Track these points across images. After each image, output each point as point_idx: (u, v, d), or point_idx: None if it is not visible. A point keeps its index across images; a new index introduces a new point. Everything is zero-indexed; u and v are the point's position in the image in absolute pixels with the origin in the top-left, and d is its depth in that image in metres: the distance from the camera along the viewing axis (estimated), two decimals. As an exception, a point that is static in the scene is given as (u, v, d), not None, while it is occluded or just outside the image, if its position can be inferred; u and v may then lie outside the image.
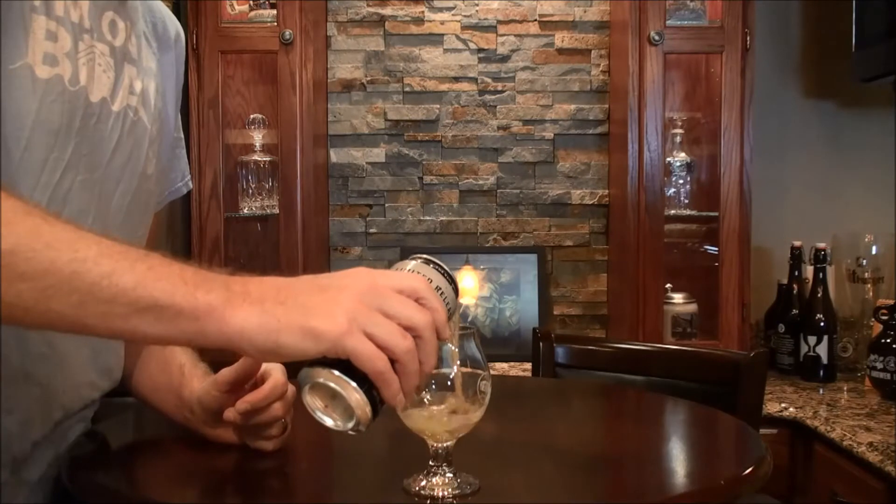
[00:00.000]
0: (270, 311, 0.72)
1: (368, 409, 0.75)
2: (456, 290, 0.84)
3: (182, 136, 1.23)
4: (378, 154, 2.71)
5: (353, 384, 0.74)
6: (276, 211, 2.43)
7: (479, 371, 0.87)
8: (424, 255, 0.84)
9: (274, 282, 0.75)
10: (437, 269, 0.83)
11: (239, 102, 2.58)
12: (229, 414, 0.97)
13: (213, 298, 0.72)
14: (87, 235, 0.73)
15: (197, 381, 1.04)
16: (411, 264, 0.83)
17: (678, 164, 2.49)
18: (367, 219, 2.72)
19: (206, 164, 2.40)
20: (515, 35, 2.70)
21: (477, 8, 2.69)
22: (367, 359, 0.72)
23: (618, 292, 2.59)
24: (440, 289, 0.81)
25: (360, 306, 0.73)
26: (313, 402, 0.77)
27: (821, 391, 2.25)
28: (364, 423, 0.76)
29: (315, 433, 1.19)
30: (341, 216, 2.72)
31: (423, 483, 0.87)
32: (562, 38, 2.69)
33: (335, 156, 2.71)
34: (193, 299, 0.72)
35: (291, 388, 0.99)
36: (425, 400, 0.85)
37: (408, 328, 0.74)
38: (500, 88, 2.70)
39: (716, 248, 2.45)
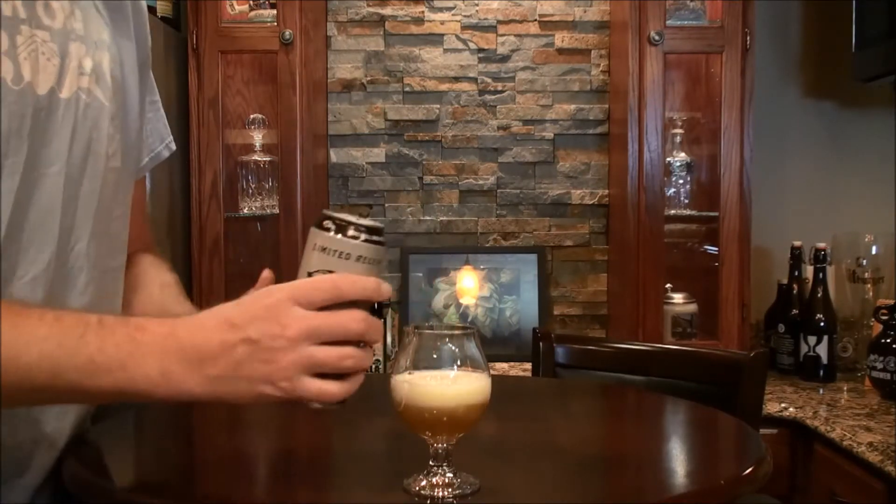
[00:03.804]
0: (213, 384, 0.79)
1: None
2: (368, 234, 0.83)
3: (157, 98, 1.19)
4: (378, 154, 2.71)
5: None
6: (276, 211, 2.43)
7: (480, 370, 0.87)
8: (325, 216, 0.83)
9: (209, 345, 0.79)
10: (342, 235, 0.83)
11: (239, 102, 2.58)
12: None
13: (152, 381, 0.79)
14: (27, 331, 0.77)
15: None
16: (316, 249, 0.83)
17: (678, 164, 2.49)
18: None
19: (206, 164, 2.40)
20: (515, 35, 2.70)
21: (477, 8, 2.69)
22: (316, 398, 0.79)
23: (618, 292, 2.59)
24: (347, 254, 0.82)
25: (296, 360, 0.78)
26: None
27: (821, 391, 2.25)
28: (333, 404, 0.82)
29: (315, 433, 1.19)
30: (341, 216, 2.71)
31: (423, 483, 0.87)
32: (562, 38, 2.69)
33: (335, 156, 2.71)
34: (134, 385, 0.78)
35: None
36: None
37: (346, 341, 0.80)
38: (500, 88, 2.71)
39: (716, 248, 2.45)
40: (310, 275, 0.82)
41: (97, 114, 0.98)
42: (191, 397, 0.79)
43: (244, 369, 0.78)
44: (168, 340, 0.79)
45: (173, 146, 1.22)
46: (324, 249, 0.82)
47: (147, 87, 1.16)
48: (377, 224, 0.84)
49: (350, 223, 0.83)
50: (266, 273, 0.95)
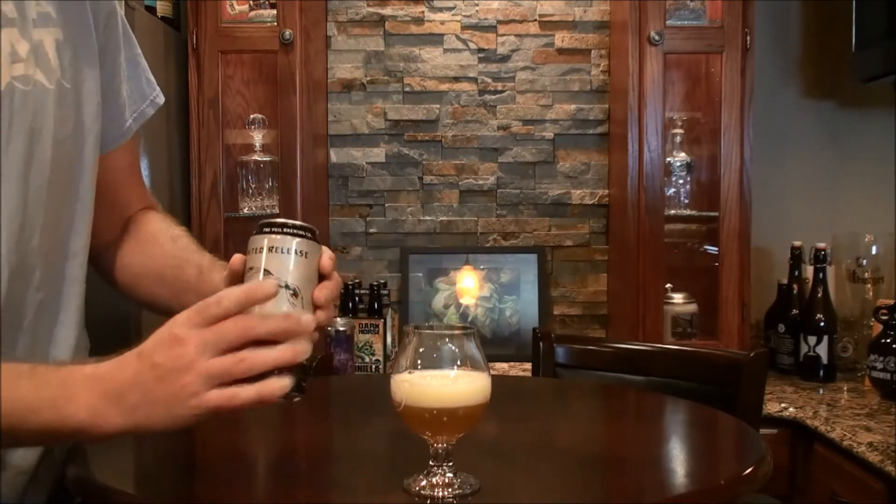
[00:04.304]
0: (132, 414, 0.81)
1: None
2: (300, 234, 0.87)
3: (136, 51, 1.13)
4: (378, 154, 2.71)
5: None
6: (276, 211, 2.43)
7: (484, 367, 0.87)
8: (266, 223, 0.88)
9: (123, 376, 0.82)
10: (277, 232, 0.87)
11: (239, 102, 2.58)
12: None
13: (81, 418, 0.81)
14: None
15: (216, 272, 1.03)
16: (264, 244, 0.87)
17: (678, 164, 2.49)
18: (367, 219, 2.72)
19: (206, 164, 2.40)
20: (515, 35, 2.70)
21: (477, 8, 2.69)
22: (227, 408, 0.81)
23: (618, 292, 2.59)
24: (260, 248, 0.86)
25: (197, 374, 0.80)
26: None
27: (821, 391, 2.25)
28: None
29: (315, 433, 1.19)
30: (341, 216, 2.72)
31: (423, 483, 0.87)
32: (562, 38, 2.70)
33: (335, 156, 2.71)
34: (63, 424, 0.81)
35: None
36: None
37: (241, 345, 0.81)
38: (500, 88, 2.71)
39: (716, 248, 2.45)
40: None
41: (39, 100, 0.93)
42: (117, 432, 0.82)
43: (155, 394, 0.80)
44: (93, 379, 0.82)
45: (160, 100, 1.17)
46: (251, 250, 0.88)
47: (118, 44, 1.09)
48: (297, 221, 0.88)
49: (265, 222, 0.88)
50: (235, 259, 0.94)
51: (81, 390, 0.81)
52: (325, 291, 0.88)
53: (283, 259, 0.85)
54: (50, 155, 0.95)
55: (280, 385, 0.82)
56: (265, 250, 0.86)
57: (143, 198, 1.19)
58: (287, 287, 0.84)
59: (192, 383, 0.80)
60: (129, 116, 1.12)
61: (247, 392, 0.81)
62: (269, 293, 0.83)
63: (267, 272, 0.85)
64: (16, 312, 0.94)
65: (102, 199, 1.11)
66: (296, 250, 0.86)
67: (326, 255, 0.90)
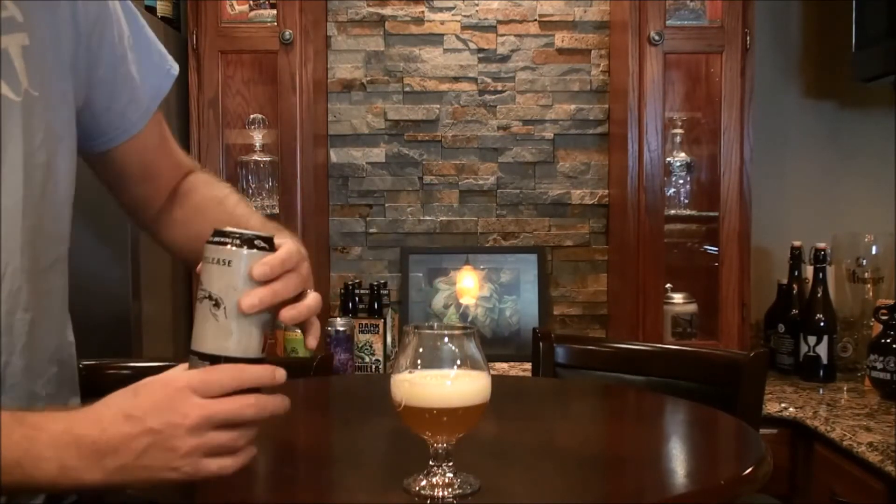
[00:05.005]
0: (115, 473, 0.80)
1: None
2: (222, 242, 0.85)
3: (140, 25, 1.08)
4: (378, 154, 2.71)
5: None
6: (276, 211, 2.43)
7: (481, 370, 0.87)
8: (212, 239, 0.85)
9: (106, 437, 0.79)
10: (209, 243, 0.85)
11: (239, 102, 2.58)
12: None
13: (51, 476, 0.79)
14: None
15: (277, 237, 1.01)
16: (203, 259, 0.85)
17: (678, 164, 2.49)
18: (367, 219, 2.72)
19: (206, 164, 2.39)
20: (515, 35, 2.70)
21: (477, 8, 2.69)
22: (217, 475, 0.82)
23: (618, 292, 2.59)
24: (205, 259, 0.85)
25: (196, 446, 0.81)
26: None
27: (821, 391, 2.25)
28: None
29: (315, 433, 1.19)
30: (341, 216, 2.72)
31: (423, 483, 0.87)
32: (562, 38, 2.70)
33: (335, 156, 2.71)
34: (33, 482, 0.79)
35: (307, 266, 0.93)
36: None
37: (236, 424, 0.82)
38: (500, 88, 2.71)
39: (716, 248, 2.45)
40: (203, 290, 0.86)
41: (5, 115, 0.89)
42: (93, 487, 0.81)
43: (146, 459, 0.80)
44: (64, 437, 0.80)
45: (175, 70, 1.13)
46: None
47: (120, 31, 1.04)
48: (226, 229, 0.86)
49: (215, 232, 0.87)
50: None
51: (49, 451, 0.79)
52: (247, 300, 0.83)
53: (208, 270, 0.85)
54: (21, 172, 0.90)
55: (253, 452, 0.86)
56: (203, 264, 0.86)
57: (181, 165, 1.17)
58: (210, 298, 0.84)
59: (192, 453, 0.81)
60: (146, 96, 1.09)
61: (236, 460, 0.84)
62: (281, 379, 0.85)
63: (199, 284, 0.86)
64: (9, 337, 0.92)
65: (141, 179, 1.12)
66: (214, 259, 0.85)
67: (260, 262, 0.84)
